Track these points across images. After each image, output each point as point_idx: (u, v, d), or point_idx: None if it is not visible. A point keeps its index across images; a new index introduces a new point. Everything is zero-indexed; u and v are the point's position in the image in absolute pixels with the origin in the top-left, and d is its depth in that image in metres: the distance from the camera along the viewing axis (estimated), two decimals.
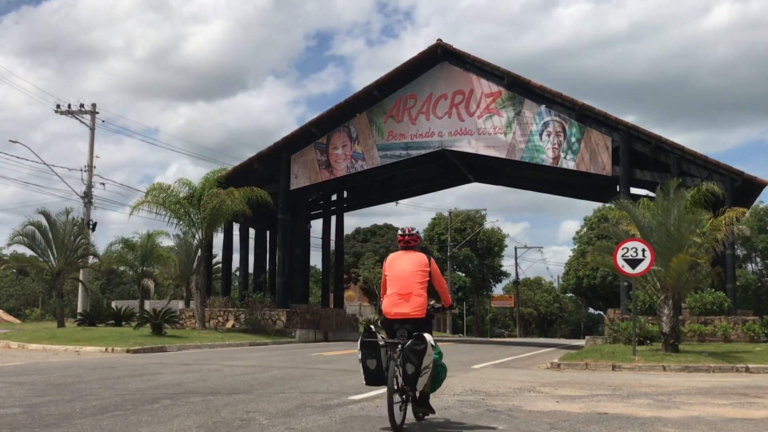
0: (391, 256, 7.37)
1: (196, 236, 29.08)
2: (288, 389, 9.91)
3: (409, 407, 6.94)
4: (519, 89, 28.34)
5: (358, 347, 6.81)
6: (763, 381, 13.07)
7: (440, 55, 29.23)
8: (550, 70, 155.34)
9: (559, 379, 12.85)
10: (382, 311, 7.17)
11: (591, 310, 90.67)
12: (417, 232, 7.44)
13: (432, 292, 7.24)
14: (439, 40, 29.20)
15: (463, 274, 73.91)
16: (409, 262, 7.15)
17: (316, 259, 46.20)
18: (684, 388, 11.48)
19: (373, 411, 7.98)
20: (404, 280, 7.06)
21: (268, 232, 34.68)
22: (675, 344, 17.49)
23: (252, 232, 34.67)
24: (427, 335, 6.71)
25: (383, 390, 9.59)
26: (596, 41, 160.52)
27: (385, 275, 7.24)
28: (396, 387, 6.64)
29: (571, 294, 79.00)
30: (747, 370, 15.15)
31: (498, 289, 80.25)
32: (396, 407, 6.58)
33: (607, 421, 7.63)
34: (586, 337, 29.51)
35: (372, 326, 7.06)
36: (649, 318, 21.56)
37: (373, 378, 6.77)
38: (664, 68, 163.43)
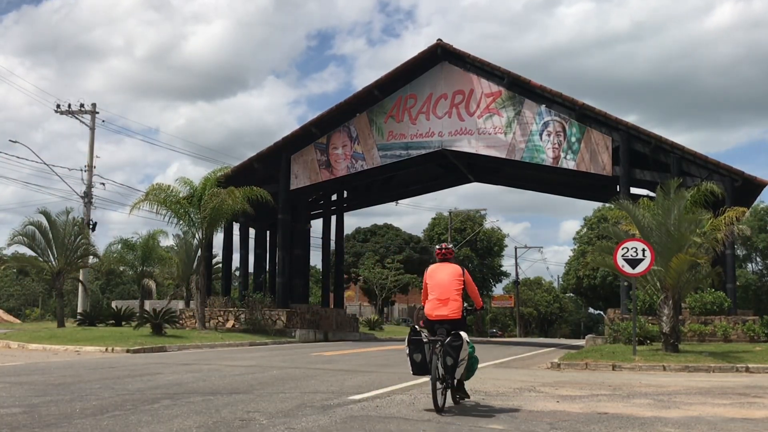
0: (432, 267, 8.61)
1: (196, 236, 29.08)
2: (288, 389, 9.92)
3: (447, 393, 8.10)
4: (519, 89, 28.34)
5: (406, 344, 8.10)
6: (763, 381, 13.07)
7: (440, 55, 29.24)
8: (552, 70, 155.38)
9: (559, 379, 12.85)
10: (424, 313, 8.37)
11: (591, 310, 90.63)
12: (452, 246, 8.86)
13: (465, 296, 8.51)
14: (439, 40, 29.23)
15: None
16: (447, 273, 8.38)
17: (316, 259, 46.25)
18: (684, 388, 11.48)
19: (373, 411, 7.98)
20: (443, 287, 8.28)
21: (268, 232, 34.69)
22: (675, 344, 17.49)
23: (252, 232, 34.68)
24: (462, 333, 7.93)
25: (383, 390, 9.79)
26: (598, 41, 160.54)
27: (426, 283, 8.47)
28: (437, 376, 7.81)
29: (571, 294, 78.99)
30: (747, 370, 15.15)
31: (498, 289, 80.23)
32: (438, 393, 7.80)
33: (607, 421, 7.64)
34: (586, 336, 29.50)
35: (417, 326, 8.21)
36: (649, 318, 21.56)
37: (419, 369, 8.02)
38: (665, 68, 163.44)
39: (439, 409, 7.75)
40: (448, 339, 7.85)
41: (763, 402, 9.69)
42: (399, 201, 46.11)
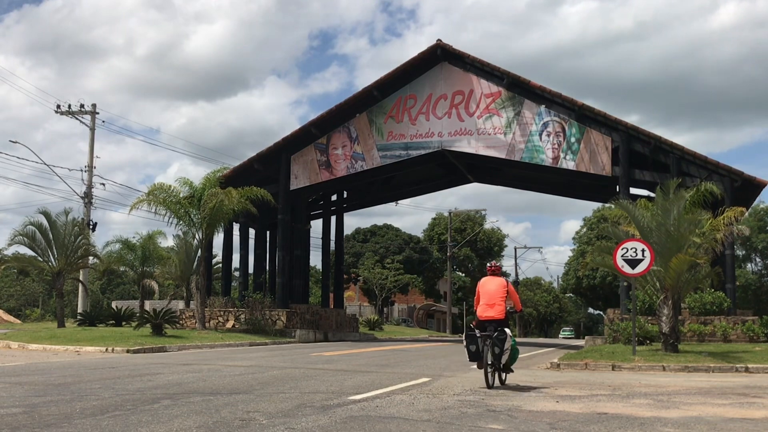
0: (483, 279, 11.33)
1: (196, 236, 29.08)
2: (288, 389, 9.93)
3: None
4: (518, 89, 28.36)
5: (464, 338, 10.94)
6: (763, 381, 13.08)
7: (440, 56, 29.25)
8: (555, 69, 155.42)
9: (558, 379, 12.86)
10: (477, 314, 11.02)
11: (591, 310, 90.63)
12: (500, 264, 11.61)
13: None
14: (439, 40, 29.25)
15: (463, 274, 73.93)
16: (495, 283, 11.13)
17: (316, 259, 46.28)
18: (683, 388, 11.49)
19: (372, 411, 7.99)
20: (490, 295, 11.00)
21: (268, 233, 34.69)
22: (675, 344, 17.49)
23: (252, 232, 34.68)
24: (506, 330, 10.65)
25: (382, 390, 9.99)
26: (602, 40, 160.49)
27: (478, 291, 11.17)
28: (488, 362, 10.50)
29: (571, 294, 79.01)
30: (746, 370, 15.16)
31: None
32: (488, 374, 10.51)
33: (606, 421, 7.64)
34: (586, 337, 29.50)
35: (471, 325, 10.99)
36: (649, 318, 21.57)
37: (473, 356, 10.63)
38: (668, 67, 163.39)
39: (489, 386, 10.41)
40: (496, 334, 10.48)
41: (763, 402, 9.70)
42: (399, 201, 46.19)
